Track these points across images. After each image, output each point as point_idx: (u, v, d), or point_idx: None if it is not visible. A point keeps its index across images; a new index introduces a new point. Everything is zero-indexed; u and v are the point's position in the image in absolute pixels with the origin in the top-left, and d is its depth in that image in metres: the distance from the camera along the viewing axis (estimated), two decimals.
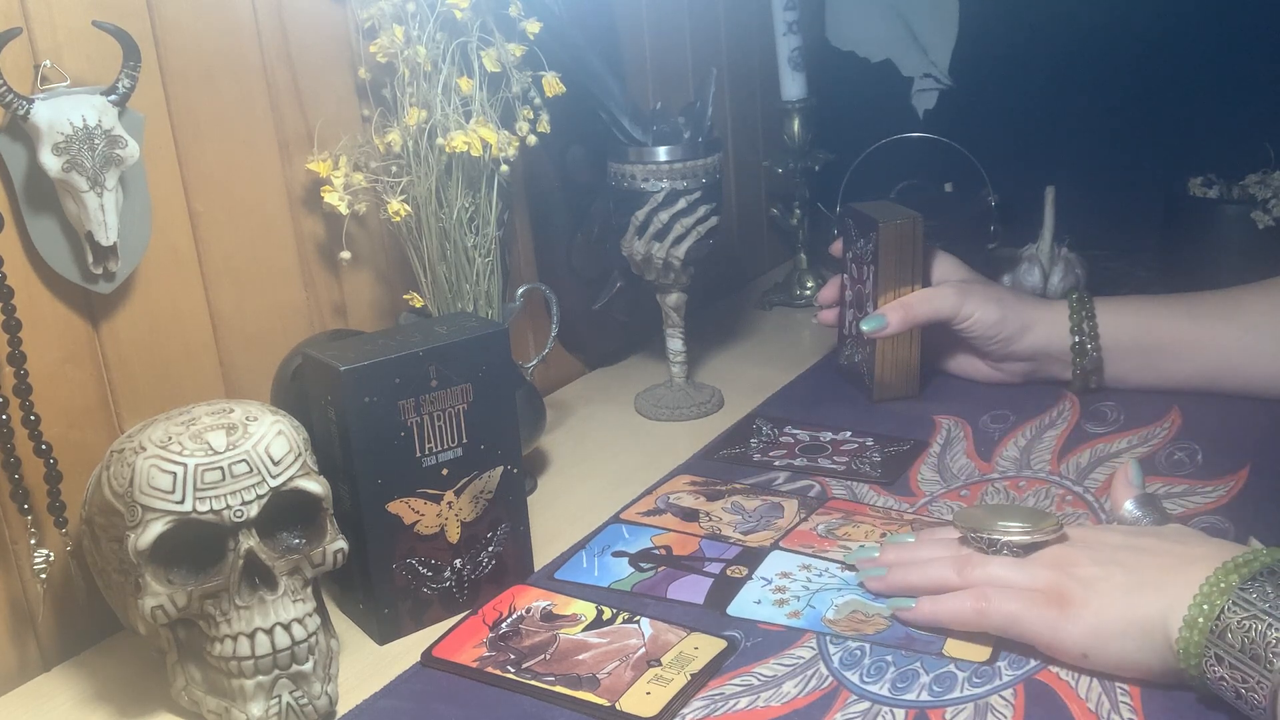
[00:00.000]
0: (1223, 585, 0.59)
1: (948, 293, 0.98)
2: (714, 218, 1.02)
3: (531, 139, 0.90)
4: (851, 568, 0.76)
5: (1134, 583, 0.63)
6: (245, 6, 0.83)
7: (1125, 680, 0.63)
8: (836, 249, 1.08)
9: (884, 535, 0.80)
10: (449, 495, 0.75)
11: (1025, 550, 0.68)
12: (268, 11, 0.85)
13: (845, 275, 1.06)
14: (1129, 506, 0.71)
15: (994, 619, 0.66)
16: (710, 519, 0.85)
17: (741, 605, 0.74)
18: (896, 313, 0.98)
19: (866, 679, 0.66)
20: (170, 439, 0.63)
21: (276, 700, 0.64)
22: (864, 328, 0.99)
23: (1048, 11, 1.36)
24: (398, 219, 0.86)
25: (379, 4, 0.86)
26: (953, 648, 0.68)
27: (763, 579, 0.76)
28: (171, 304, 0.80)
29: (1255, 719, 0.57)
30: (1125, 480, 0.73)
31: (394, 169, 0.88)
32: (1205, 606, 0.59)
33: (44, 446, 0.71)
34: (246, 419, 0.65)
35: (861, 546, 0.77)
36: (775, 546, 0.80)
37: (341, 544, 0.68)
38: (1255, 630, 0.56)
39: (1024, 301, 1.00)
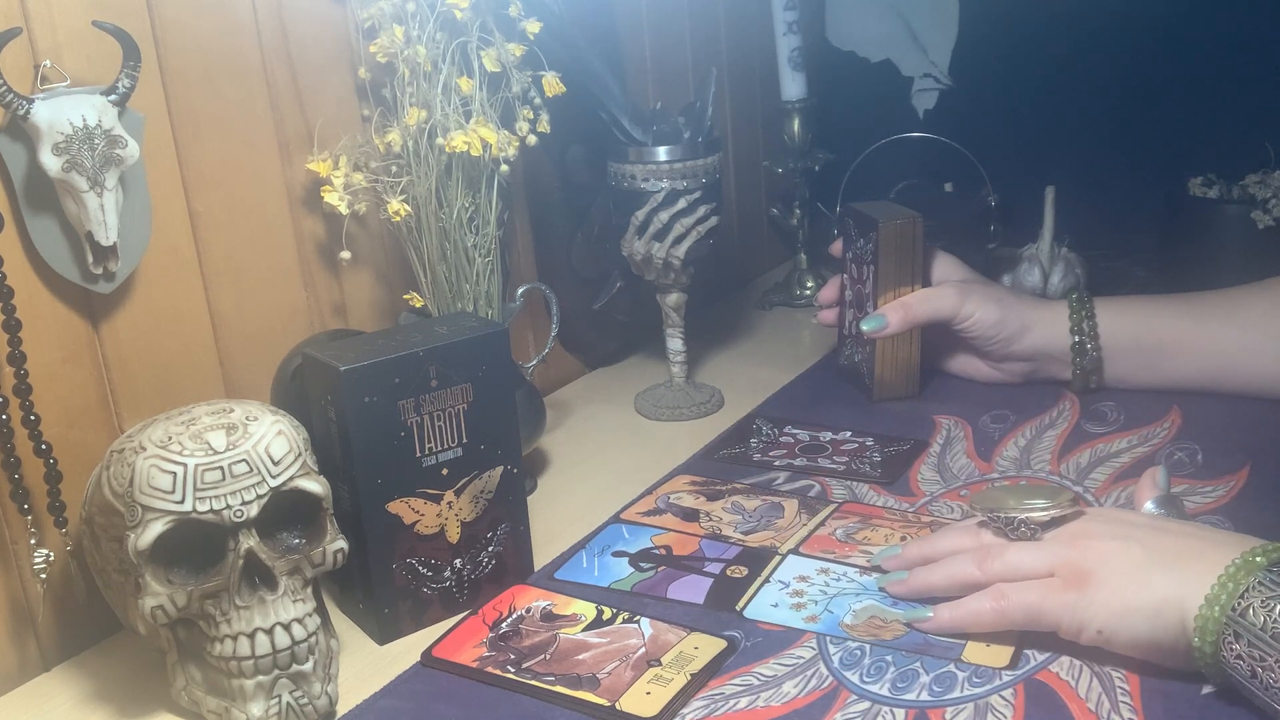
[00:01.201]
0: (1249, 565, 0.60)
1: (948, 293, 0.98)
2: (714, 218, 1.02)
3: (531, 139, 0.90)
4: (872, 570, 0.76)
5: (1152, 560, 0.63)
6: (245, 6, 0.83)
7: (1136, 660, 0.64)
8: (836, 249, 1.08)
9: (904, 538, 0.79)
10: (449, 495, 0.75)
11: (1044, 527, 0.68)
12: (268, 11, 0.85)
13: (845, 275, 1.06)
14: (1149, 506, 0.71)
15: (1014, 615, 0.66)
16: (710, 519, 0.85)
17: (758, 608, 0.74)
18: (896, 313, 0.98)
19: (866, 679, 0.66)
20: (170, 439, 0.63)
21: (276, 700, 0.64)
22: (864, 328, 0.99)
23: (1048, 11, 1.36)
24: (398, 219, 0.86)
25: (379, 4, 0.86)
26: (972, 653, 0.67)
27: (780, 582, 0.76)
28: (171, 304, 0.80)
29: (1269, 700, 0.58)
30: (1151, 482, 0.73)
31: (394, 169, 0.88)
32: (1230, 585, 0.59)
33: (44, 446, 0.71)
34: (246, 419, 0.65)
35: (884, 548, 0.77)
36: (793, 552, 0.80)
37: (341, 544, 0.68)
38: (1279, 610, 0.57)
39: (1024, 301, 1.00)
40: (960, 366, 1.05)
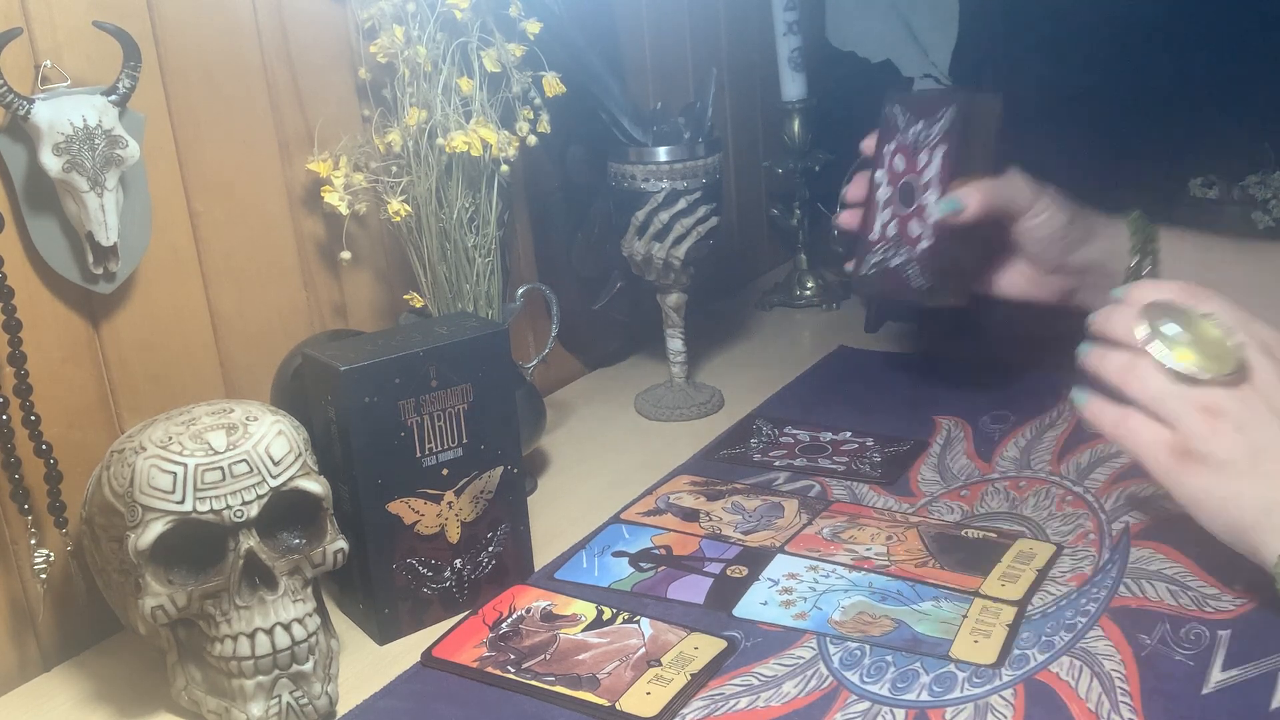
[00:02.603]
0: None
1: (1025, 185, 0.91)
2: (714, 218, 1.02)
3: (531, 139, 0.90)
4: (860, 567, 0.76)
5: (1248, 494, 0.65)
6: (245, 6, 0.83)
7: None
8: (869, 145, 1.00)
9: (889, 537, 0.80)
10: (449, 495, 0.75)
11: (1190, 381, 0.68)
12: (268, 11, 0.85)
13: (879, 170, 0.98)
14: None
15: (1123, 440, 0.70)
16: (710, 519, 0.85)
17: (748, 606, 0.74)
18: (973, 195, 0.89)
19: (866, 679, 0.66)
20: (170, 439, 0.63)
21: (276, 700, 0.64)
22: (939, 210, 0.90)
23: (1048, 12, 1.36)
24: (398, 219, 0.86)
25: (379, 4, 0.86)
26: (960, 650, 0.67)
27: (769, 580, 0.76)
28: (171, 304, 0.80)
29: None
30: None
31: (394, 169, 0.88)
32: None
33: (44, 446, 0.71)
34: (246, 419, 0.65)
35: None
36: (780, 551, 0.80)
37: (341, 544, 0.68)
38: None
39: (1087, 211, 0.94)
40: (1003, 282, 0.96)
